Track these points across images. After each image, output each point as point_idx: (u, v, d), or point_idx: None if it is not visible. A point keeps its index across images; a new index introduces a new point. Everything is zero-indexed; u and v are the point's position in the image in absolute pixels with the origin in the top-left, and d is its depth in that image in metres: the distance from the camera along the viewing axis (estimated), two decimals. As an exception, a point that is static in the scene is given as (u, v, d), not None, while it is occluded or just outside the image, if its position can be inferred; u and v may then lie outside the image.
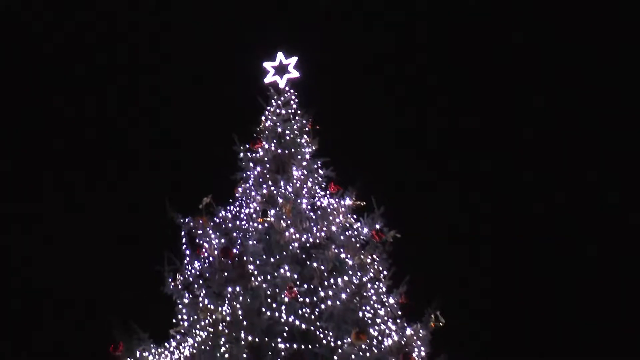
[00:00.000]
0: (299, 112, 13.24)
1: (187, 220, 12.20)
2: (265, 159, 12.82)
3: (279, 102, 13.25)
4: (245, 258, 11.69)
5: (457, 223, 20.20)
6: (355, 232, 12.32)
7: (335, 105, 17.76)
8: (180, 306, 11.82)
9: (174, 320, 11.89)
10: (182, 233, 12.25)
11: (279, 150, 12.85)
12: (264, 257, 11.78)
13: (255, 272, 11.56)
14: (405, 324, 11.92)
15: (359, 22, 22.12)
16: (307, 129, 13.14)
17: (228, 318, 11.27)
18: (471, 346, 13.84)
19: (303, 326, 11.16)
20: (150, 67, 21.81)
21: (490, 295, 19.39)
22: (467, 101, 22.09)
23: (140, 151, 21.32)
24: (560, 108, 21.89)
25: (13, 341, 18.87)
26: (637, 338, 18.86)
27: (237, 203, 12.69)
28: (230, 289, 11.46)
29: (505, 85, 21.90)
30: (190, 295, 11.85)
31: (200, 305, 11.54)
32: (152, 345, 11.47)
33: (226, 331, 11.17)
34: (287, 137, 12.92)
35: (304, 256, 11.97)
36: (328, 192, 12.80)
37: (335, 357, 10.90)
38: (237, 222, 12.35)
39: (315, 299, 11.46)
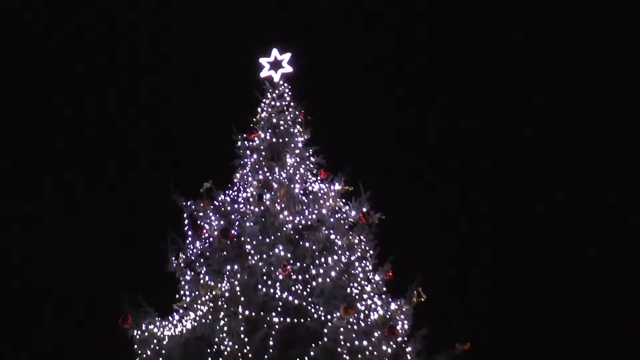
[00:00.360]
0: (292, 104, 14.38)
1: (189, 203, 13.29)
2: (261, 147, 13.94)
3: (274, 95, 14.43)
4: (242, 238, 12.73)
5: (445, 209, 20.62)
6: (344, 215, 13.38)
7: (329, 98, 18.58)
8: (182, 283, 12.91)
9: (177, 296, 12.95)
10: (185, 215, 13.32)
11: (274, 140, 13.97)
12: (260, 237, 12.78)
13: (252, 252, 12.55)
14: (390, 300, 12.96)
15: (358, 22, 22.53)
16: (299, 119, 14.28)
17: (227, 294, 12.26)
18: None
19: (296, 302, 12.10)
20: (150, 67, 22.22)
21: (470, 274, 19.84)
22: (466, 100, 22.41)
23: (141, 140, 21.83)
24: (560, 108, 22.02)
25: (13, 341, 18.93)
26: (637, 338, 19.00)
27: (235, 188, 13.75)
28: (229, 267, 12.51)
29: (505, 85, 22.17)
30: (192, 273, 12.91)
31: (201, 282, 12.61)
32: (157, 318, 12.52)
33: (225, 306, 12.16)
34: (282, 127, 14.06)
35: (296, 237, 12.99)
36: (319, 177, 13.93)
37: (326, 330, 11.84)
38: (236, 206, 13.44)
39: (307, 276, 12.45)
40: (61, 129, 22.44)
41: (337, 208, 13.53)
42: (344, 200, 13.67)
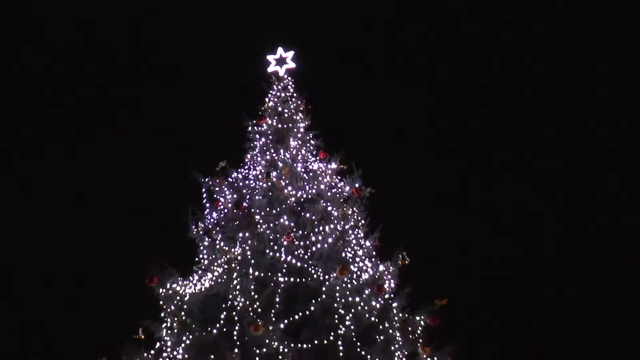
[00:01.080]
0: (295, 95, 15.19)
1: (206, 179, 14.09)
2: (269, 132, 14.74)
3: (279, 87, 15.26)
4: (252, 210, 13.52)
5: (430, 185, 21.27)
6: (339, 190, 14.17)
7: (328, 89, 19.35)
8: (201, 248, 13.73)
9: (196, 259, 13.82)
10: (203, 190, 14.10)
11: (279, 125, 14.76)
12: (267, 209, 13.62)
13: (261, 221, 13.37)
14: (379, 262, 13.85)
15: (358, 21, 22.93)
16: (301, 108, 15.06)
17: (239, 257, 13.02)
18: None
19: (298, 264, 12.98)
20: (167, 66, 22.93)
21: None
22: (462, 93, 22.96)
23: (169, 126, 22.21)
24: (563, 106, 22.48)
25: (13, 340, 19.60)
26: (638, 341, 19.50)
27: (247, 166, 14.54)
28: (240, 234, 13.30)
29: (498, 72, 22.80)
30: (209, 239, 13.69)
31: (217, 247, 13.35)
32: (179, 278, 13.32)
33: (238, 267, 12.91)
34: (286, 115, 14.86)
35: (299, 208, 13.82)
36: (318, 158, 14.63)
37: (324, 289, 12.72)
38: (247, 182, 14.19)
39: (307, 242, 13.29)
40: (83, 112, 23.07)
41: (333, 184, 14.29)
42: (339, 177, 14.43)
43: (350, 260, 13.52)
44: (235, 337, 12.48)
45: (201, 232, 13.96)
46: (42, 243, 21.05)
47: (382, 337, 12.96)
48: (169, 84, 22.84)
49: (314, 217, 13.71)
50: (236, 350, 12.31)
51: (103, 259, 19.89)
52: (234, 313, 12.68)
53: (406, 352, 13.04)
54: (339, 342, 12.46)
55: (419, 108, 22.41)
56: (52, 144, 22.86)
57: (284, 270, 13.01)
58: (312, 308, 12.64)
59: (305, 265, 13.13)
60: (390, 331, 13.09)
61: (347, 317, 12.66)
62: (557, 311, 21.01)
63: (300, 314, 12.65)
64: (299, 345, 12.41)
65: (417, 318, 13.51)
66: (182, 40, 22.63)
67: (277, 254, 13.12)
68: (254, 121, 15.01)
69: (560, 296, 20.87)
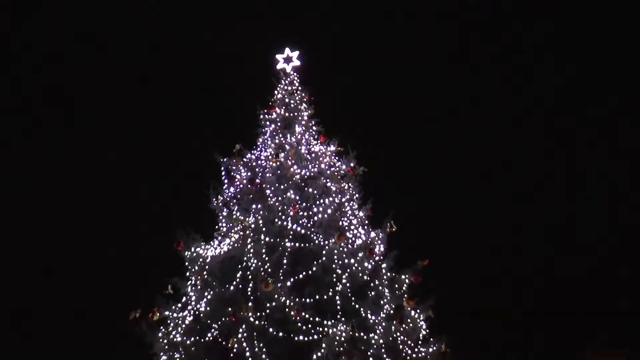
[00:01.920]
0: (299, 88, 16.11)
1: (225, 159, 15.06)
2: (277, 119, 15.66)
3: (287, 81, 16.16)
4: (264, 185, 14.46)
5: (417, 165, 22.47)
6: (337, 168, 15.09)
7: (327, 83, 19.69)
8: (220, 217, 14.71)
9: (216, 227, 14.76)
10: (222, 168, 15.04)
11: (287, 114, 15.68)
12: (277, 184, 14.49)
13: (271, 195, 14.29)
14: (370, 229, 14.81)
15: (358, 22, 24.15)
16: (305, 99, 15.99)
17: (252, 225, 13.95)
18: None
19: (302, 231, 13.89)
20: (192, 68, 24.45)
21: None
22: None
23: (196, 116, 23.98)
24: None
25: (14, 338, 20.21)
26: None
27: (259, 148, 15.40)
28: (254, 206, 14.25)
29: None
30: (227, 210, 14.62)
31: (234, 216, 14.28)
32: (202, 243, 14.31)
33: (251, 234, 13.85)
34: (292, 105, 15.79)
35: (303, 184, 14.68)
36: (319, 141, 15.57)
37: (324, 252, 13.65)
38: (259, 161, 15.05)
39: (310, 213, 14.20)
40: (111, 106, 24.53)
41: (332, 163, 15.12)
42: (337, 157, 15.33)
43: (346, 228, 14.43)
44: (249, 293, 13.47)
45: (220, 204, 14.86)
46: (82, 214, 22.48)
47: (373, 293, 13.91)
48: (199, 84, 24.07)
49: (315, 192, 14.61)
50: (250, 304, 13.26)
51: (138, 228, 21.25)
52: (248, 273, 13.66)
53: (393, 305, 13.95)
54: (337, 297, 13.41)
55: (411, 102, 23.55)
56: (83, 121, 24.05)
57: (290, 237, 13.93)
58: (314, 268, 13.61)
59: (308, 232, 14.04)
60: (380, 288, 14.03)
61: (344, 276, 13.62)
62: (537, 273, 22.13)
63: (304, 273, 13.63)
64: (303, 299, 13.36)
65: (403, 276, 14.50)
66: (205, 42, 23.84)
67: (285, 223, 14.04)
68: (265, 110, 15.91)
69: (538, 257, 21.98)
